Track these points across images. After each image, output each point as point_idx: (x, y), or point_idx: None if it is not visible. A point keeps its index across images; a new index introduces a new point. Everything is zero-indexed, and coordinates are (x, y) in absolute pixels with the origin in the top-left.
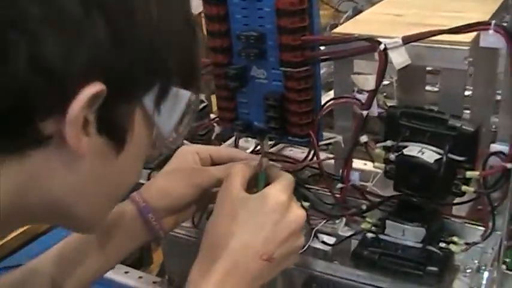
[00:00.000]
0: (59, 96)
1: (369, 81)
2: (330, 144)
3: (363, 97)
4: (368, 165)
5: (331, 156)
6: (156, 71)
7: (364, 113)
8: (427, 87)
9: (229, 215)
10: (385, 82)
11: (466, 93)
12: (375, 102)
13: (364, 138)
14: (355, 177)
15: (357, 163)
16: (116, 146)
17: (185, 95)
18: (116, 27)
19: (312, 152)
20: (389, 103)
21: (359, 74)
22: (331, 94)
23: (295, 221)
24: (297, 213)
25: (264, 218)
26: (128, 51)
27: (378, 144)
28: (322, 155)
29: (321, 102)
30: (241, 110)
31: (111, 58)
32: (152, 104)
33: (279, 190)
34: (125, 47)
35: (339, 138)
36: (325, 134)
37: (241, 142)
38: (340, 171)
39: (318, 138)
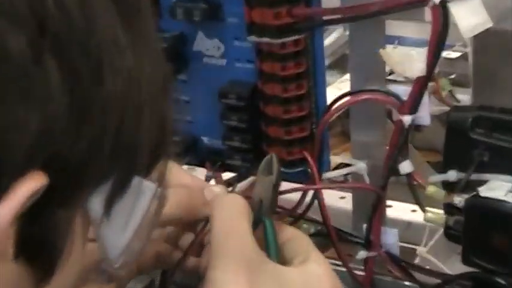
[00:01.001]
0: None
1: (414, 62)
2: (345, 175)
3: (403, 91)
4: (415, 215)
5: (346, 196)
6: (119, 155)
7: (407, 120)
8: None
9: None
10: (450, 55)
11: None
12: (426, 100)
13: (406, 167)
14: (391, 237)
15: (395, 211)
16: (41, 275)
17: (149, 188)
18: (77, 84)
19: (310, 193)
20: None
21: (396, 47)
22: (344, 85)
23: None
24: None
25: None
26: (90, 124)
27: (433, 178)
28: (329, 197)
29: (325, 100)
30: (177, 114)
31: (66, 133)
32: (101, 207)
33: (325, 270)
34: (88, 114)
35: (360, 166)
36: (334, 159)
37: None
38: (364, 226)
39: (320, 166)
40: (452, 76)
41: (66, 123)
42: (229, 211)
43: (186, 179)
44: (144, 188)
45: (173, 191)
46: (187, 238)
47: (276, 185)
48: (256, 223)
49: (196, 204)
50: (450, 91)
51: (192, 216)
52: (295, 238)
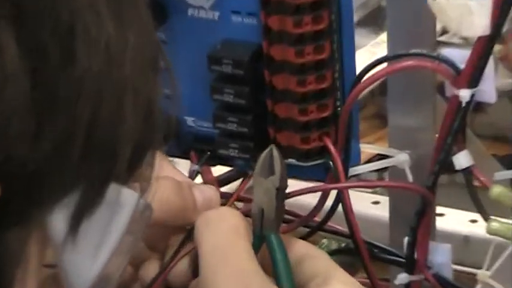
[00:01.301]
0: None
1: (474, 16)
2: (379, 171)
3: (460, 56)
4: (476, 227)
5: (381, 201)
6: (91, 156)
7: (464, 96)
8: None
9: None
10: None
11: None
12: (490, 68)
13: (463, 160)
14: (442, 256)
15: (449, 221)
16: None
17: (130, 199)
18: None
19: (332, 195)
20: None
21: None
22: (380, 48)
23: None
24: None
25: None
26: (56, 115)
27: (500, 175)
28: (358, 201)
29: (354, 68)
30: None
31: (25, 128)
32: (65, 224)
33: None
34: (55, 102)
35: (400, 158)
36: (366, 150)
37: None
38: (405, 240)
39: (345, 158)
40: None
41: (26, 116)
42: (220, 232)
43: (174, 174)
44: (123, 200)
45: (158, 185)
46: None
47: (281, 189)
48: (259, 241)
49: (187, 205)
50: None
51: (181, 220)
52: (311, 256)
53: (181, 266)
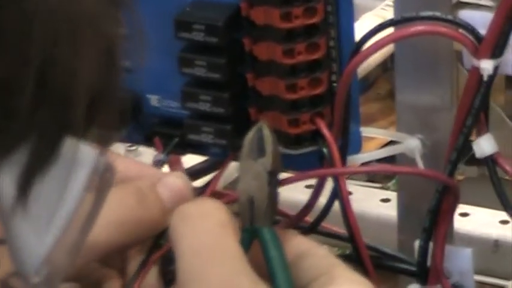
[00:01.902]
0: None
1: None
2: (385, 160)
3: (481, 20)
4: (506, 229)
5: (390, 199)
6: (43, 104)
7: (487, 68)
8: None
9: None
10: None
11: None
12: None
13: (486, 146)
14: (463, 263)
15: (472, 221)
16: None
17: (88, 157)
18: None
19: (328, 190)
20: None
21: None
22: (388, 12)
23: None
24: None
25: None
26: (2, 56)
27: None
28: (361, 198)
29: (352, 34)
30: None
31: None
32: (13, 188)
33: None
34: (1, 40)
35: (410, 144)
36: (372, 135)
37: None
38: (416, 244)
39: (343, 145)
40: None
41: None
42: (203, 229)
43: (131, 169)
44: (80, 158)
45: (111, 199)
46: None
47: (273, 173)
48: (249, 237)
49: (152, 215)
50: None
51: (146, 234)
52: (313, 254)
53: (151, 279)
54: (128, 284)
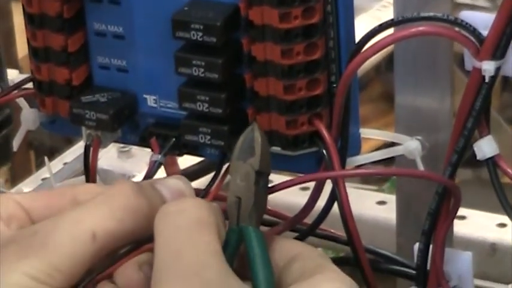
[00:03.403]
0: None
1: None
2: (384, 162)
3: (483, 20)
4: (504, 232)
5: (387, 201)
6: None
7: (488, 69)
8: None
9: None
10: None
11: None
12: None
13: (486, 148)
14: (462, 266)
15: (471, 224)
16: None
17: None
18: None
19: (326, 193)
20: None
21: None
22: (386, 12)
23: None
24: None
25: None
26: None
27: None
28: (360, 201)
29: (353, 35)
30: (105, 60)
31: None
32: None
33: None
34: None
35: (410, 146)
36: (370, 137)
37: (106, 158)
38: (415, 247)
39: (342, 146)
40: None
41: None
42: (177, 224)
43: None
44: None
45: (111, 192)
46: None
47: (262, 173)
48: (237, 237)
49: (154, 204)
50: None
51: (145, 221)
52: (304, 257)
53: (130, 272)
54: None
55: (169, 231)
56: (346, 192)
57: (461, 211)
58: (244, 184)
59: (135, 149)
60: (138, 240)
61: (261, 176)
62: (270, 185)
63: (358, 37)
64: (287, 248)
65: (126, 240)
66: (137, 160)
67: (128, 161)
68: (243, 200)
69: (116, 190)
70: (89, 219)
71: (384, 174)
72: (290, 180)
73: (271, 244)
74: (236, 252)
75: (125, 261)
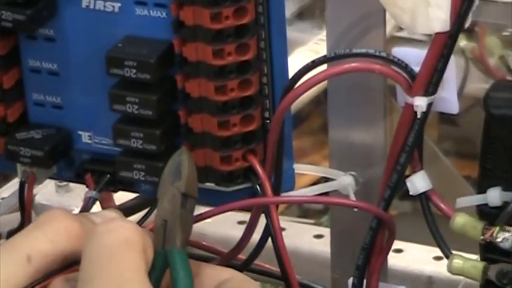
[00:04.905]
0: None
1: (430, 8)
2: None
3: (415, 56)
4: (440, 265)
5: (324, 235)
6: None
7: (420, 105)
8: None
9: None
10: None
11: None
12: (451, 72)
13: (418, 183)
14: None
15: (407, 258)
16: None
17: None
18: None
19: (261, 228)
20: None
21: None
22: (322, 46)
23: None
24: None
25: None
26: None
27: (461, 202)
28: (296, 234)
29: (286, 70)
30: (40, 96)
31: None
32: None
33: None
34: None
35: (344, 181)
36: (306, 172)
37: (43, 192)
38: (350, 282)
39: (276, 181)
40: (507, 33)
41: None
42: (103, 244)
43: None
44: None
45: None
46: None
47: (188, 195)
48: (163, 260)
49: (88, 230)
50: (502, 57)
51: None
52: (233, 280)
53: (58, 285)
54: None
55: (95, 250)
56: (278, 223)
57: (398, 244)
58: (170, 207)
59: (73, 184)
60: (74, 260)
61: (187, 198)
62: (199, 213)
63: (295, 71)
64: (216, 273)
65: (60, 261)
66: (75, 195)
67: (65, 195)
68: (169, 223)
69: (46, 216)
70: (23, 243)
71: (316, 202)
72: (221, 206)
73: (201, 269)
74: (162, 276)
75: (56, 277)
